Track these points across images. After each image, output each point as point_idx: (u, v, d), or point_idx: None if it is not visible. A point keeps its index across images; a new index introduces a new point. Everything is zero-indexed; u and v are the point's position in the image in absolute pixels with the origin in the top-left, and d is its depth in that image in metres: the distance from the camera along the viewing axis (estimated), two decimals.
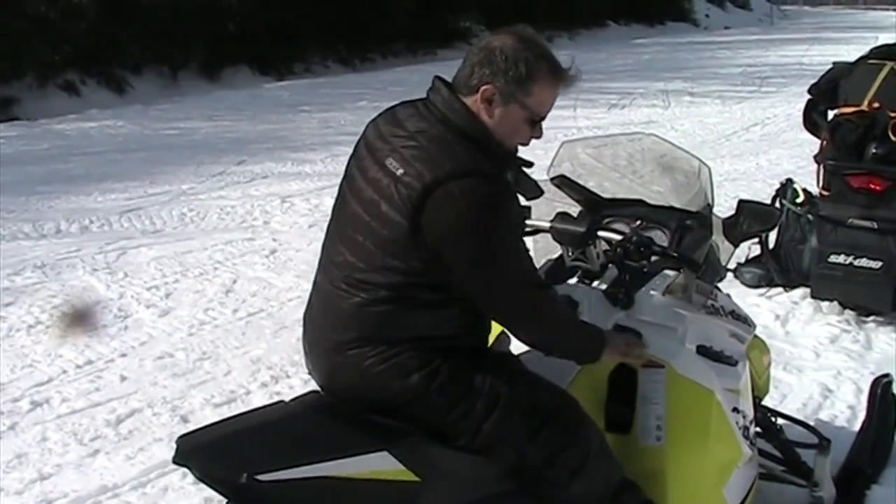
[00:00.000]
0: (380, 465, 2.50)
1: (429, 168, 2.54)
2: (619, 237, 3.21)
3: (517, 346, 2.92)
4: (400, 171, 2.57)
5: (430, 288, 2.61)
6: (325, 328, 2.71)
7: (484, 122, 2.65)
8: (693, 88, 17.61)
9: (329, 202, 9.30)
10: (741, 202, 3.23)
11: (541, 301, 2.74)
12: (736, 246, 3.44)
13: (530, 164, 2.88)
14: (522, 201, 3.36)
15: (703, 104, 15.88)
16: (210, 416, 4.76)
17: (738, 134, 13.12)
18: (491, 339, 2.95)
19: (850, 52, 13.82)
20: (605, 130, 13.20)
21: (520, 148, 2.82)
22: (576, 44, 28.75)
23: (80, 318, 6.04)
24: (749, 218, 3.23)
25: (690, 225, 3.32)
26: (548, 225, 3.21)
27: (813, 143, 6.59)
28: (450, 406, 2.63)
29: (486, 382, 2.66)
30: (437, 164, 2.54)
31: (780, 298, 6.29)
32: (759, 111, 14.93)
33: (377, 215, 2.60)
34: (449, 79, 2.75)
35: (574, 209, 3.46)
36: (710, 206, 3.32)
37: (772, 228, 3.99)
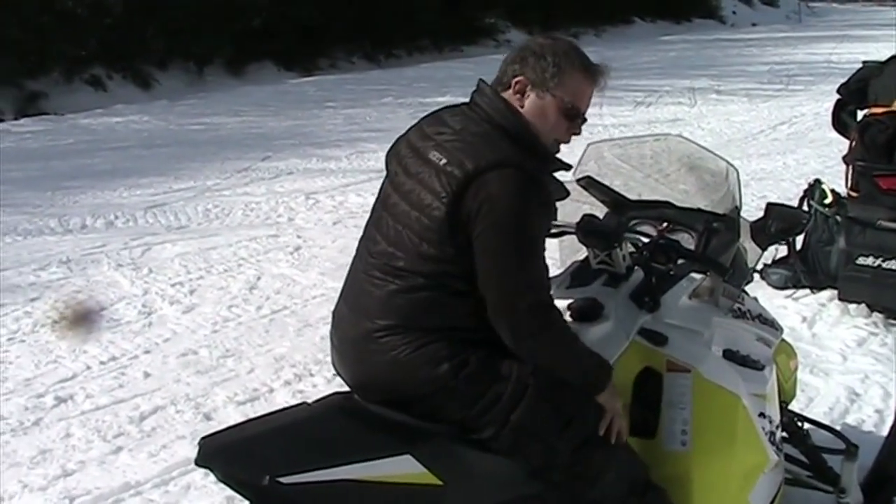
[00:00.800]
0: (402, 468, 2.48)
1: (471, 158, 2.59)
2: (645, 239, 3.18)
3: None
4: (443, 161, 2.63)
5: (462, 277, 2.63)
6: (356, 317, 2.72)
7: (524, 118, 2.71)
8: (719, 86, 17.50)
9: (354, 199, 9.39)
10: (769, 205, 3.20)
11: (542, 321, 2.67)
12: (764, 249, 3.41)
13: (569, 167, 2.94)
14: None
15: (729, 102, 15.77)
16: (233, 414, 4.77)
17: (765, 133, 13.03)
18: None
19: (880, 51, 13.72)
20: (631, 128, 13.14)
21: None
22: (602, 41, 28.66)
23: (86, 318, 6.02)
24: (777, 221, 3.20)
25: (717, 227, 3.28)
26: (574, 226, 3.18)
27: (841, 143, 6.54)
28: (477, 396, 2.63)
29: (514, 372, 2.66)
30: (480, 155, 2.60)
31: (807, 300, 6.23)
32: (787, 110, 14.82)
33: (418, 204, 2.65)
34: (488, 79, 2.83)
35: (600, 210, 3.43)
36: (737, 209, 3.28)
37: (800, 232, 3.95)
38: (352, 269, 2.86)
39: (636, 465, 2.86)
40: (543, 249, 2.71)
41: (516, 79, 2.74)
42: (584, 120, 2.82)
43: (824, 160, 10.50)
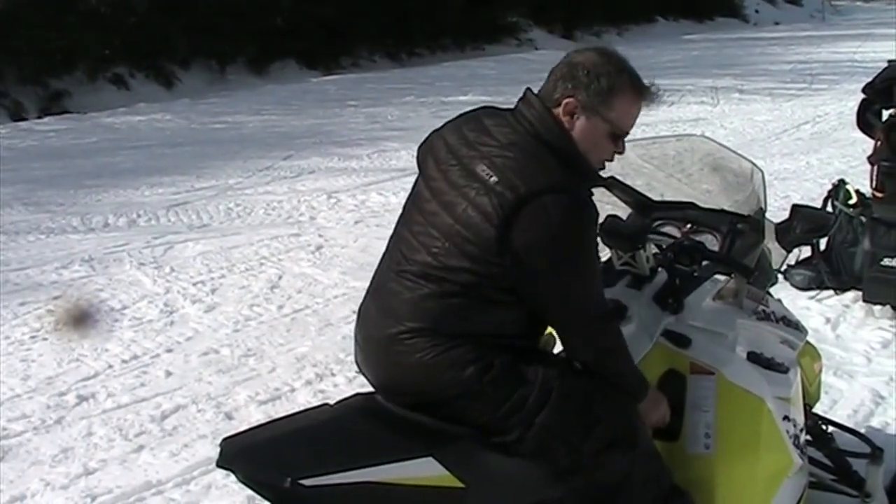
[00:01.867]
0: (425, 470, 2.47)
1: (523, 179, 2.55)
2: (669, 241, 3.15)
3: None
4: (493, 179, 2.58)
5: (504, 290, 2.62)
6: (384, 318, 2.69)
7: (573, 139, 2.68)
8: (742, 85, 17.42)
9: (376, 198, 9.41)
10: (794, 207, 3.19)
11: (606, 329, 2.75)
12: (789, 251, 3.39)
13: (606, 183, 3.03)
14: None
15: (752, 101, 15.70)
16: (254, 414, 4.78)
17: (789, 132, 12.95)
18: None
19: None
20: (654, 128, 13.03)
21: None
22: (624, 40, 28.56)
23: (84, 319, 6.03)
24: (802, 223, 3.18)
25: (742, 229, 3.26)
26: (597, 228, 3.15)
27: (865, 143, 6.48)
28: (502, 399, 2.61)
29: (539, 375, 2.64)
30: (532, 177, 2.56)
31: (831, 301, 6.18)
32: (810, 109, 14.72)
33: (462, 219, 2.60)
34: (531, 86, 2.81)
35: (623, 211, 3.41)
36: (762, 211, 3.26)
37: (826, 234, 3.92)
38: (381, 268, 2.82)
39: (661, 470, 2.84)
40: (599, 265, 2.79)
41: (567, 100, 2.68)
42: (626, 134, 2.81)
43: (848, 160, 10.43)
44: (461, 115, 2.83)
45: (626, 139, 2.79)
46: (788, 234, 3.19)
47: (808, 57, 22.11)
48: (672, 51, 24.84)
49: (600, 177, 2.87)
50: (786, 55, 23.01)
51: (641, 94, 2.77)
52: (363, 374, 2.81)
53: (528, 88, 2.77)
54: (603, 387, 2.76)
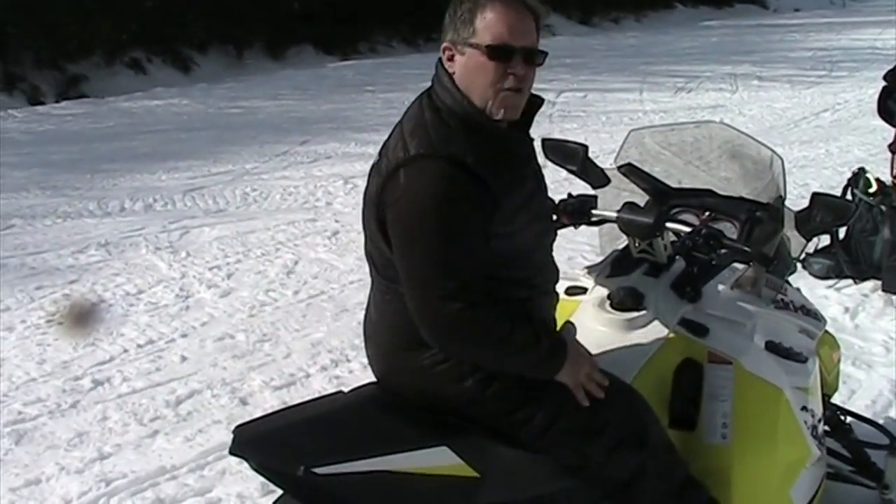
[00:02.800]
0: (439, 459, 2.45)
1: (395, 153, 2.45)
2: (687, 229, 3.12)
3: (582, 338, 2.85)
4: (379, 160, 2.52)
5: None
6: (381, 330, 2.66)
7: (460, 86, 2.49)
8: (761, 72, 17.30)
9: None
10: (815, 195, 3.12)
11: (465, 307, 2.39)
12: (808, 240, 3.33)
13: (541, 101, 2.65)
14: (589, 190, 3.31)
15: (771, 88, 15.59)
16: (269, 399, 4.77)
17: (808, 119, 12.86)
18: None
19: None
20: (672, 114, 13.03)
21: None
22: (643, 26, 28.47)
23: (87, 315, 6.01)
24: (823, 211, 3.12)
25: (761, 217, 3.22)
26: (615, 215, 3.12)
27: (886, 131, 6.43)
28: (509, 411, 2.56)
29: (547, 389, 2.57)
30: (403, 148, 2.44)
31: (850, 291, 6.13)
32: (830, 96, 14.61)
33: (366, 215, 2.57)
34: None
35: (640, 198, 3.38)
36: (782, 199, 3.22)
37: (846, 223, 3.86)
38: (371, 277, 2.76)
39: (675, 463, 2.79)
40: (476, 242, 2.42)
41: (443, 47, 2.52)
42: (532, 53, 2.49)
43: (868, 148, 10.36)
44: None
45: (529, 59, 2.48)
46: (808, 222, 3.11)
47: (827, 44, 21.94)
48: (690, 37, 24.71)
49: (497, 127, 2.52)
50: (805, 42, 22.85)
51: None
52: (373, 372, 2.79)
53: (439, 58, 2.59)
54: (612, 388, 2.69)
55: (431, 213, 2.36)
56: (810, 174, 9.37)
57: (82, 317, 5.89)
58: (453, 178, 2.37)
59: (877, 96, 6.33)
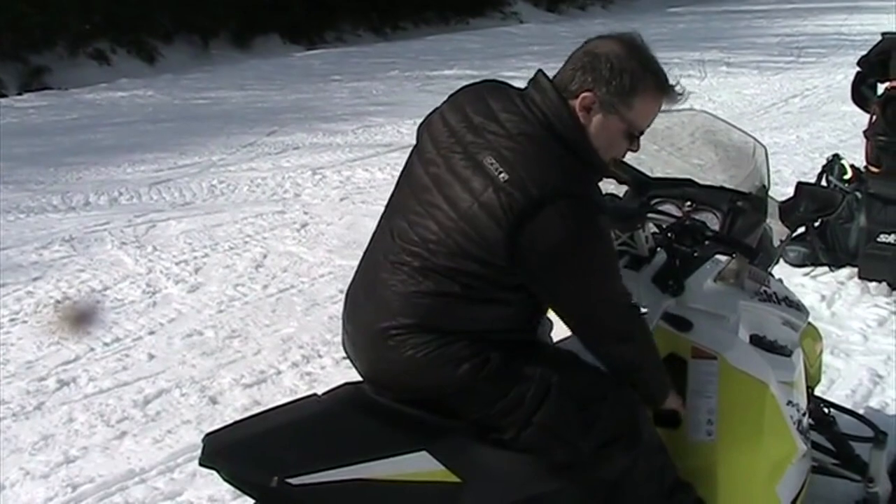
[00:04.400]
0: (419, 465, 2.36)
1: (534, 179, 2.39)
2: (669, 220, 3.04)
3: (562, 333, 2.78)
4: (503, 177, 2.40)
5: (506, 289, 2.50)
6: (375, 309, 2.55)
7: (588, 136, 2.52)
8: (729, 58, 17.27)
9: (361, 174, 9.26)
10: (800, 184, 3.07)
11: (635, 324, 2.66)
12: (792, 230, 3.27)
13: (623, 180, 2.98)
14: None
15: (739, 74, 15.56)
16: (239, 398, 4.68)
17: (777, 106, 12.83)
18: None
19: (892, 22, 13.52)
20: None
21: None
22: (609, 13, 28.39)
23: (82, 315, 5.86)
24: (809, 201, 3.06)
25: (743, 207, 3.15)
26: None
27: (856, 117, 6.39)
28: (498, 397, 2.49)
29: (537, 372, 2.52)
30: (544, 177, 2.40)
31: (826, 278, 6.09)
32: (798, 82, 14.59)
33: (467, 216, 2.44)
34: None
35: (619, 189, 3.30)
36: (765, 188, 3.14)
37: (832, 213, 3.79)
38: (372, 252, 2.66)
39: (665, 464, 2.74)
40: (618, 265, 2.68)
41: (585, 94, 2.50)
42: (643, 133, 2.67)
43: (838, 134, 10.35)
44: (462, 91, 2.64)
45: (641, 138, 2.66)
46: (794, 212, 3.06)
47: (794, 30, 21.96)
48: (657, 24, 24.63)
49: (611, 171, 2.76)
50: (772, 28, 22.84)
51: (665, 94, 2.62)
52: (352, 363, 2.69)
53: (541, 71, 2.58)
54: (605, 382, 2.65)
55: (597, 249, 2.49)
56: (782, 160, 9.31)
57: (75, 318, 5.75)
58: (596, 215, 2.49)
59: (848, 82, 6.30)
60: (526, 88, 2.57)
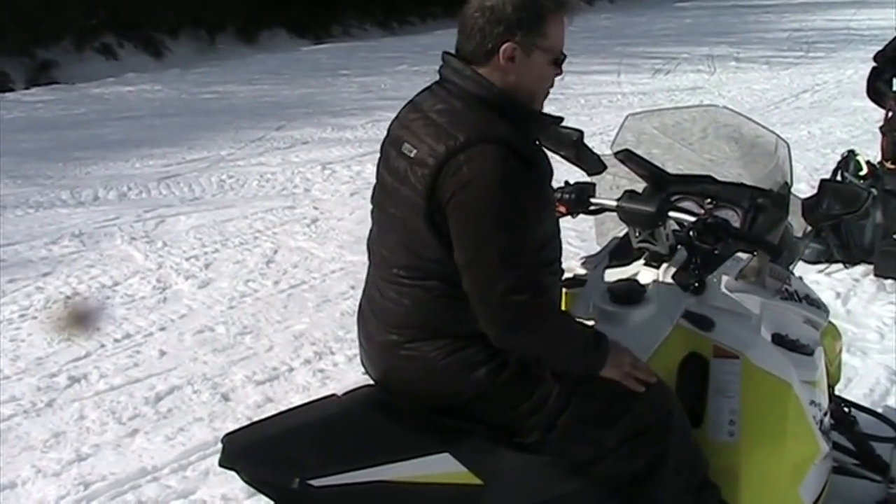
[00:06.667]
0: (441, 467, 2.33)
1: (441, 142, 2.34)
2: (690, 218, 2.99)
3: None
4: (413, 153, 2.39)
5: None
6: (380, 323, 2.54)
7: (506, 83, 2.44)
8: (738, 53, 17.22)
9: (371, 169, 9.20)
10: (823, 182, 3.03)
11: (538, 310, 2.38)
12: (814, 228, 3.22)
13: (560, 119, 2.65)
14: (586, 177, 3.18)
15: (749, 70, 15.50)
16: (252, 395, 4.64)
17: (787, 101, 12.75)
18: None
19: None
20: (651, 96, 12.94)
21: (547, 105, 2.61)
22: (616, 7, 28.36)
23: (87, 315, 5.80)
24: (831, 199, 3.02)
25: (764, 204, 3.11)
26: (614, 204, 3.00)
27: (867, 112, 6.34)
28: (519, 401, 2.45)
29: (559, 375, 2.48)
30: (450, 136, 2.34)
31: (841, 276, 6.02)
32: (808, 77, 14.52)
33: (401, 205, 2.43)
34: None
35: (638, 185, 3.26)
36: (787, 186, 3.10)
37: (856, 211, 3.72)
38: (369, 267, 2.66)
39: (697, 458, 2.70)
40: (534, 229, 2.39)
41: (504, 46, 2.41)
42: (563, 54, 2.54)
43: (850, 129, 10.27)
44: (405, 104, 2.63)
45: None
46: (817, 210, 3.01)
47: (803, 24, 21.88)
48: (665, 18, 24.62)
49: (546, 115, 2.57)
50: (781, 23, 22.77)
51: (566, 7, 2.49)
52: (367, 373, 2.67)
53: (444, 52, 2.54)
54: None
55: (500, 200, 2.30)
56: (794, 156, 9.21)
57: (80, 316, 5.70)
58: (513, 163, 2.32)
59: (858, 77, 6.25)
60: (441, 75, 2.53)
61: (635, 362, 2.61)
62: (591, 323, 2.79)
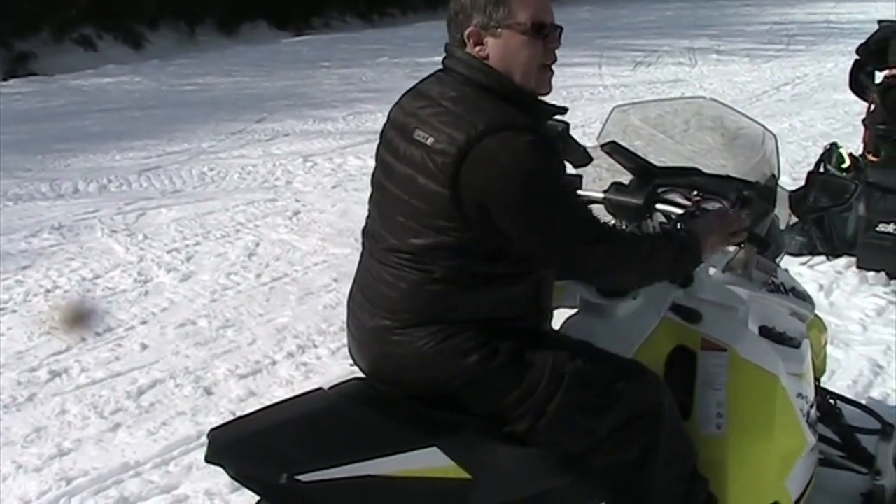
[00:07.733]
0: (429, 461, 2.30)
1: (460, 130, 2.35)
2: (679, 210, 2.98)
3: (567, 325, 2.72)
4: (430, 140, 2.39)
5: (486, 260, 2.43)
6: (373, 309, 2.52)
7: (496, 69, 2.46)
8: (720, 46, 17.27)
9: (353, 161, 9.21)
10: (811, 174, 3.02)
11: (609, 245, 2.51)
12: (802, 220, 3.21)
13: (564, 110, 2.67)
14: (570, 169, 3.16)
15: (730, 62, 15.54)
16: (234, 389, 4.62)
17: (769, 94, 12.78)
18: None
19: (879, 10, 13.51)
20: (632, 89, 12.94)
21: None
22: (596, 1, 28.34)
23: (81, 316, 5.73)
24: (819, 191, 3.01)
25: (750, 196, 3.09)
26: (601, 196, 2.98)
27: (848, 105, 6.35)
28: (510, 387, 2.44)
29: (549, 359, 2.46)
30: (469, 124, 2.35)
31: (823, 268, 6.04)
32: (789, 70, 14.56)
33: (416, 191, 2.42)
34: None
35: (624, 177, 3.24)
36: (775, 178, 3.09)
37: (844, 203, 3.71)
38: (363, 254, 2.65)
39: (689, 449, 2.69)
40: (570, 188, 2.61)
41: (467, 31, 2.46)
42: (559, 28, 2.52)
43: (831, 122, 10.31)
44: (403, 94, 2.65)
45: (555, 30, 2.52)
46: (805, 202, 3.01)
47: (783, 18, 21.96)
48: (646, 11, 24.63)
49: (549, 105, 2.60)
50: (761, 16, 22.83)
51: None
52: (356, 363, 2.64)
53: (447, 44, 2.57)
54: (622, 364, 2.60)
55: (544, 177, 2.39)
56: None
57: (66, 307, 5.65)
58: (541, 145, 2.39)
59: (839, 70, 6.27)
60: (444, 65, 2.57)
61: (732, 220, 2.78)
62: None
